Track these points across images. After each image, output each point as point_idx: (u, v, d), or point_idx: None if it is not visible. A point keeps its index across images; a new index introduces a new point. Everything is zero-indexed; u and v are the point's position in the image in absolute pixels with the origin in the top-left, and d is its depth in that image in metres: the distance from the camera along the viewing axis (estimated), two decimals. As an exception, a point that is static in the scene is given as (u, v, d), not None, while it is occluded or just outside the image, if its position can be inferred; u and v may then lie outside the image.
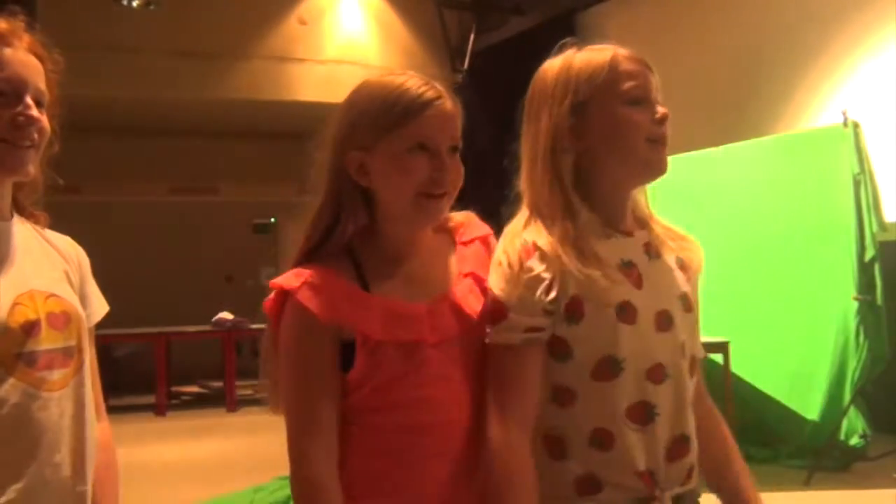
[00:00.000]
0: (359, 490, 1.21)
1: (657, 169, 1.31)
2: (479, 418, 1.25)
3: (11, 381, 1.22)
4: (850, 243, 4.79)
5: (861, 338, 4.73)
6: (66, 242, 1.42)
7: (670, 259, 1.34)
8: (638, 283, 1.27)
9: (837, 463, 4.61)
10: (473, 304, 1.28)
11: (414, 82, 1.23)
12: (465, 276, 1.30)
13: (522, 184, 1.34)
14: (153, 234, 9.69)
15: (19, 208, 1.36)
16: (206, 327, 8.08)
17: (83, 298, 1.39)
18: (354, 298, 1.21)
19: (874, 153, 4.92)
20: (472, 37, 8.46)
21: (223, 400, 7.73)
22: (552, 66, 1.33)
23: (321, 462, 1.18)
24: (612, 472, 1.23)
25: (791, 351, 5.04)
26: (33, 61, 1.29)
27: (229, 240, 10.13)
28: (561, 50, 1.34)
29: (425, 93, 1.22)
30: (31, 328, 1.24)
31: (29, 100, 1.26)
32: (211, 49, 7.96)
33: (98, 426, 1.39)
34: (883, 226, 4.84)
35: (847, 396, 4.72)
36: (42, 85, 1.29)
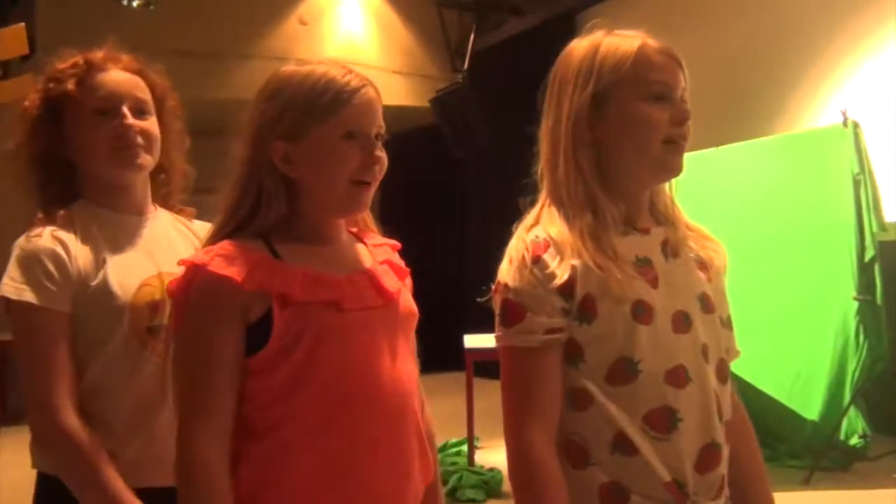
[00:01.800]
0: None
1: (671, 170, 1.27)
2: (407, 401, 1.26)
3: (142, 352, 1.45)
4: (850, 243, 4.78)
5: (861, 338, 4.72)
6: (205, 228, 1.55)
7: (689, 258, 1.29)
8: (654, 283, 1.22)
9: (837, 463, 4.61)
10: (391, 284, 1.29)
11: (337, 71, 1.23)
12: (381, 263, 1.33)
13: (542, 170, 1.29)
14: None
15: (166, 204, 1.62)
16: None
17: None
18: (268, 265, 1.20)
19: (874, 153, 4.92)
20: (472, 37, 8.45)
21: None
22: (579, 46, 1.28)
23: (211, 449, 1.15)
24: (637, 480, 1.17)
25: (791, 351, 5.04)
26: (128, 77, 1.51)
27: (229, 240, 10.14)
28: (591, 31, 1.30)
29: (350, 81, 1.22)
30: (156, 306, 1.46)
31: (126, 110, 1.48)
32: (211, 49, 7.96)
33: None
34: (883, 226, 4.83)
35: (847, 396, 4.72)
36: (142, 94, 1.52)
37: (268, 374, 1.19)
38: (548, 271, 1.18)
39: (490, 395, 8.02)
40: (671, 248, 1.27)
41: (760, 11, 6.31)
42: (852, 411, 4.73)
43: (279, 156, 1.22)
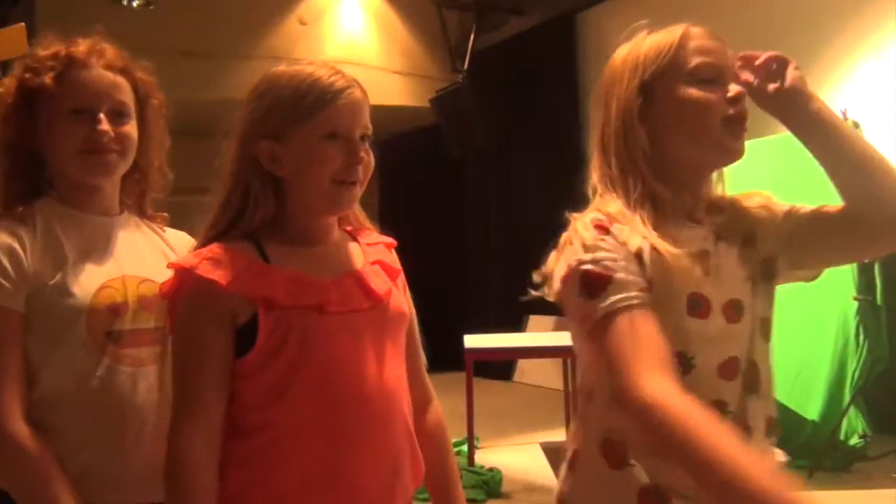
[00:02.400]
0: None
1: (732, 152, 1.22)
2: (394, 403, 1.25)
3: (100, 357, 1.37)
4: (849, 243, 4.78)
5: (861, 338, 4.72)
6: (178, 236, 1.59)
7: (736, 242, 1.25)
8: (709, 273, 1.18)
9: (837, 463, 4.60)
10: (381, 286, 1.30)
11: (324, 72, 1.25)
12: (372, 263, 1.33)
13: (594, 178, 1.25)
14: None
15: (140, 205, 1.56)
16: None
17: None
18: (256, 269, 1.21)
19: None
20: (472, 37, 8.45)
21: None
22: (621, 52, 1.27)
23: (197, 449, 1.16)
24: (680, 482, 1.03)
25: (791, 351, 5.04)
26: (110, 77, 1.44)
27: (229, 240, 10.13)
28: (631, 35, 1.28)
29: (336, 82, 1.24)
30: (117, 309, 1.39)
31: (102, 115, 1.40)
32: (211, 49, 7.96)
33: None
34: (883, 226, 4.83)
35: (847, 396, 4.71)
36: (122, 96, 1.44)
37: (255, 377, 1.20)
38: (620, 239, 1.12)
39: (490, 395, 8.03)
40: (723, 236, 1.24)
41: (760, 12, 6.31)
42: (852, 411, 4.73)
43: (266, 155, 1.24)
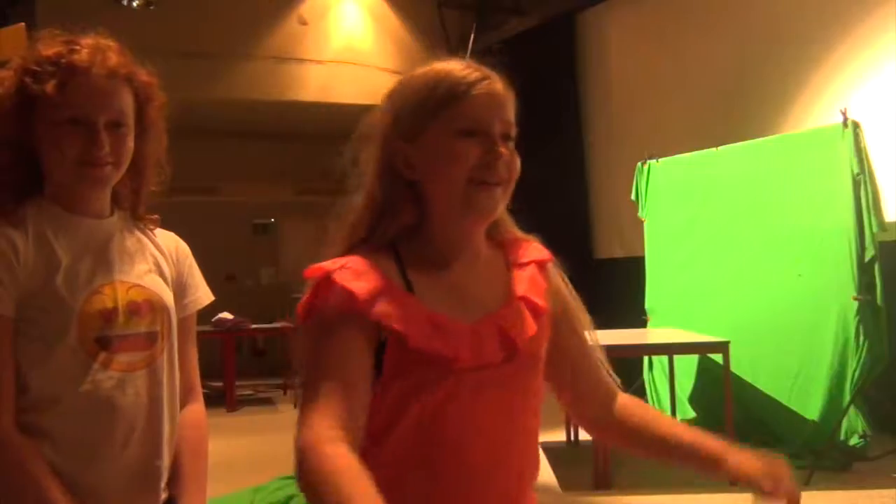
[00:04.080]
0: None
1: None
2: (502, 473, 1.13)
3: (91, 362, 1.36)
4: (850, 243, 4.78)
5: (861, 338, 4.72)
6: (167, 238, 1.59)
7: None
8: None
9: (837, 463, 4.60)
10: (520, 332, 1.16)
11: (457, 65, 1.15)
12: (518, 298, 1.19)
13: None
14: (153, 234, 9.67)
15: (134, 204, 1.53)
16: (206, 327, 8.07)
17: (183, 288, 1.56)
18: (396, 295, 1.10)
19: (874, 153, 4.92)
20: (472, 37, 8.45)
21: (223, 400, 7.71)
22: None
23: (312, 437, 1.00)
24: None
25: (791, 351, 5.04)
26: (110, 85, 1.41)
27: (229, 240, 10.13)
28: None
29: (469, 74, 1.14)
30: (108, 315, 1.39)
31: (101, 129, 1.39)
32: (211, 49, 7.96)
33: (192, 407, 1.56)
34: (883, 226, 4.83)
35: (847, 396, 4.72)
36: (122, 105, 1.42)
37: (378, 399, 1.10)
38: None
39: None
40: None
41: (762, 12, 6.31)
42: (852, 411, 4.73)
43: (399, 158, 1.14)
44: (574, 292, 1.30)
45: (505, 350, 1.14)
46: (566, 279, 1.29)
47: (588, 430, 1.40)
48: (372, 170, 1.16)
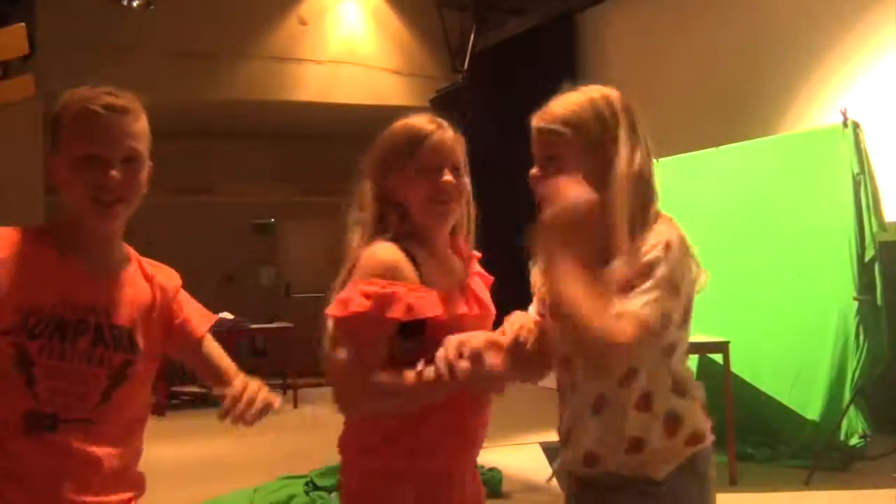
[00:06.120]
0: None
1: None
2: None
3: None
4: (850, 243, 4.78)
5: (861, 338, 4.72)
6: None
7: None
8: None
9: (837, 463, 4.60)
10: (484, 296, 1.70)
11: (419, 120, 1.62)
12: (473, 274, 1.71)
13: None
14: (152, 234, 9.67)
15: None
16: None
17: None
18: (415, 287, 1.54)
19: (874, 153, 4.92)
20: (472, 37, 8.45)
21: (223, 400, 7.71)
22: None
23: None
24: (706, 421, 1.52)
25: (791, 351, 5.04)
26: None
27: (229, 240, 10.14)
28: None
29: (425, 126, 1.61)
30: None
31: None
32: (211, 49, 7.96)
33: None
34: (883, 226, 4.83)
35: (847, 396, 4.72)
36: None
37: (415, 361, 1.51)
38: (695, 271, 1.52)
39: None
40: None
41: (761, 12, 6.31)
42: (852, 411, 4.73)
43: (390, 187, 1.62)
44: None
45: (481, 308, 1.66)
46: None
47: None
48: (371, 195, 1.63)
